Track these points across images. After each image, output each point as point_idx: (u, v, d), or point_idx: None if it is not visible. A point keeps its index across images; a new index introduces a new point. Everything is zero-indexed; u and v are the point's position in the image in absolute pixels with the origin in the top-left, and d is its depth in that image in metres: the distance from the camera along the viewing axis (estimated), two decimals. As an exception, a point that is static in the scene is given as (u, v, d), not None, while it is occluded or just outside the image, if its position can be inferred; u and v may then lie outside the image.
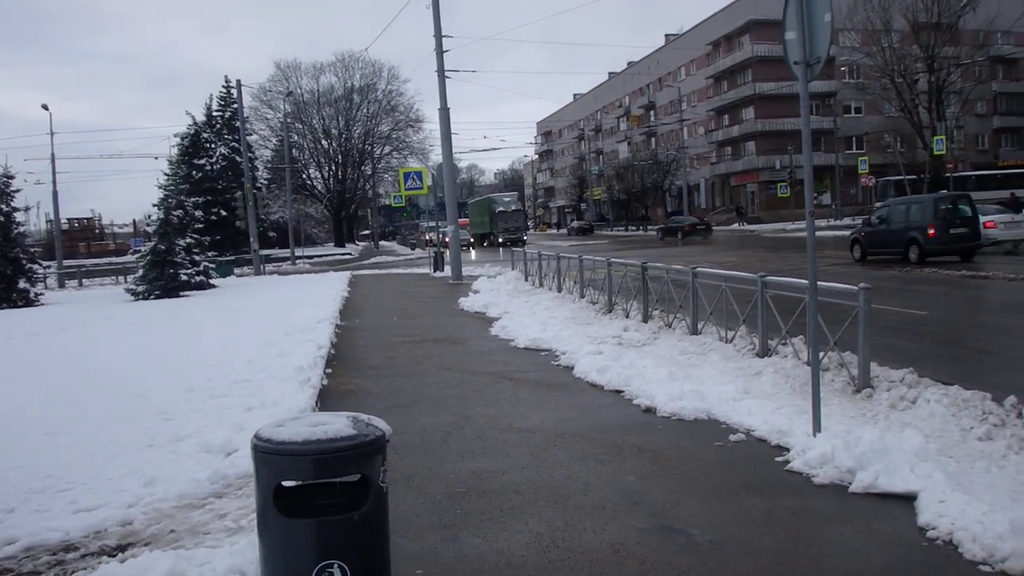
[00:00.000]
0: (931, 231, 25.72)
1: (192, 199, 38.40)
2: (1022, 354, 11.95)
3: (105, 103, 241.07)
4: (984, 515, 5.60)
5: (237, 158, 63.30)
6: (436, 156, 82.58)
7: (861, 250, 29.01)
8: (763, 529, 5.91)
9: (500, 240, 68.68)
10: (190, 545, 5.96)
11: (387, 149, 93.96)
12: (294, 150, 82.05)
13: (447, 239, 34.67)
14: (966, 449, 7.39)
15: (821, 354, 8.76)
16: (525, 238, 70.67)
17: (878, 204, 36.07)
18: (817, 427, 7.57)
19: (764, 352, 11.58)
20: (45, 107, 53.45)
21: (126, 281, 41.43)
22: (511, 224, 72.86)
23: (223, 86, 74.14)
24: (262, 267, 50.88)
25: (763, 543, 5.67)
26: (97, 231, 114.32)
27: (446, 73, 32.28)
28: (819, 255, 34.76)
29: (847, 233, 34.13)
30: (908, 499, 6.18)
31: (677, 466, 7.44)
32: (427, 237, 56.06)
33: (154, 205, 34.49)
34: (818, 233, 12.33)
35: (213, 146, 68.64)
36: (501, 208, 74.47)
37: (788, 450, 7.50)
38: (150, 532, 6.33)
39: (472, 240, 72.39)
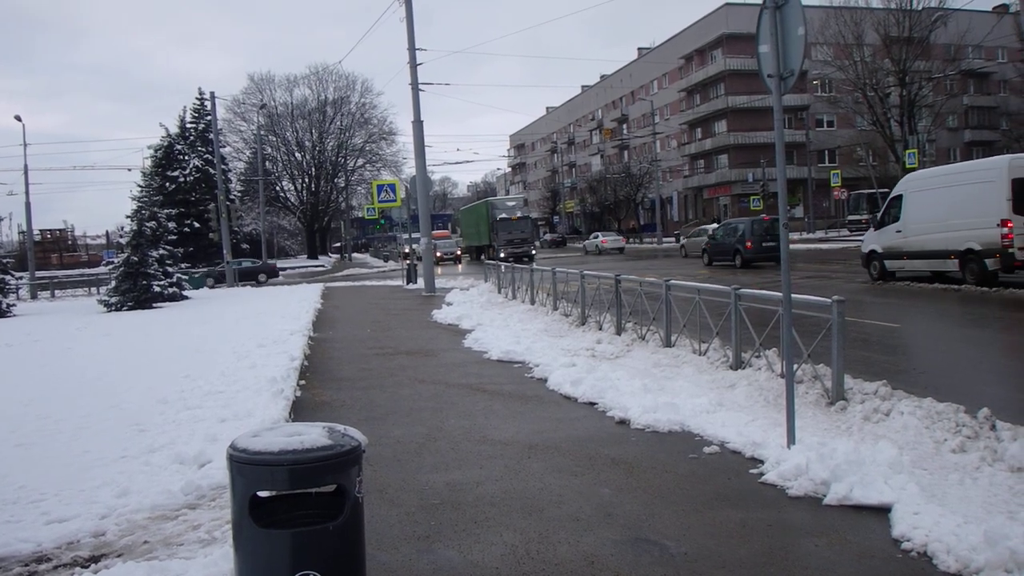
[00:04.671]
0: (748, 244, 35.33)
1: (165, 211, 38.22)
2: (994, 366, 12.04)
3: (77, 114, 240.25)
4: (958, 527, 5.62)
5: (210, 170, 63.33)
6: (409, 168, 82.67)
7: (708, 257, 39.28)
8: (738, 541, 5.91)
9: (502, 255, 53.68)
10: (163, 556, 5.91)
11: (360, 161, 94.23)
12: (267, 162, 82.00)
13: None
14: (940, 461, 7.43)
15: (795, 366, 8.79)
16: (534, 252, 59.17)
17: (717, 225, 45.64)
18: (791, 439, 7.59)
19: (738, 365, 11.61)
20: (18, 118, 53.34)
21: (99, 292, 41.32)
22: (515, 235, 58.26)
23: (197, 98, 74.43)
24: (235, 279, 50.59)
25: (738, 555, 5.66)
26: (70, 242, 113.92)
27: (420, 86, 32.31)
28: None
29: (820, 246, 40.43)
30: (882, 511, 6.21)
31: (651, 478, 7.43)
32: (406, 250, 52.34)
33: (127, 217, 34.35)
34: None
35: (186, 158, 68.68)
36: (503, 215, 59.32)
37: (762, 462, 7.51)
38: (123, 543, 6.27)
39: (459, 253, 67.67)
